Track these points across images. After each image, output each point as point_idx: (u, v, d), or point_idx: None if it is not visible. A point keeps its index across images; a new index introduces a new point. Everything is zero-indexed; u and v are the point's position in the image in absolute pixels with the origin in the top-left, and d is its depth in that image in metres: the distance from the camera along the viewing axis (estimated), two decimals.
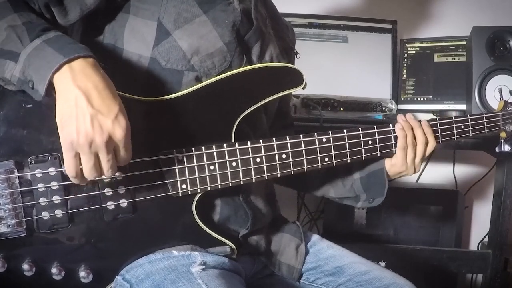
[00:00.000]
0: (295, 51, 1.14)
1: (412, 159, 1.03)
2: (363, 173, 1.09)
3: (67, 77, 0.71)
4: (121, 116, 0.72)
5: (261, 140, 0.90)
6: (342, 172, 1.11)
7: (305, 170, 0.95)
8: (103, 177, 0.77)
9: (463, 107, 1.80)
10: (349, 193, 1.12)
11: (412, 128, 1.03)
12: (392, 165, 1.04)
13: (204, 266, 0.84)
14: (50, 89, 0.72)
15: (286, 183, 1.20)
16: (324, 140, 0.96)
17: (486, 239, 1.89)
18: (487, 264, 1.70)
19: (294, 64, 1.03)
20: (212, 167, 0.87)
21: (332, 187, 1.14)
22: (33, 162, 0.79)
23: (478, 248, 2.04)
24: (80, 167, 0.73)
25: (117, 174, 0.80)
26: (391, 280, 0.99)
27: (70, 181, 0.77)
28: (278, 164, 0.92)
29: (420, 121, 1.04)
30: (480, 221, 2.08)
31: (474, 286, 2.09)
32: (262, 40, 0.98)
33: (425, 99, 1.91)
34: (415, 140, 1.03)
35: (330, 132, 0.96)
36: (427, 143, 1.03)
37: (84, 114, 0.70)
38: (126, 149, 0.74)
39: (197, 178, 0.86)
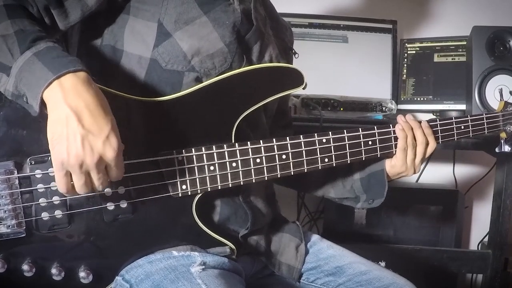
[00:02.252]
0: (293, 51, 1.14)
1: (412, 160, 1.03)
2: (363, 173, 1.09)
3: (57, 95, 0.70)
4: (113, 136, 0.71)
5: (261, 141, 0.90)
6: (342, 173, 1.11)
7: (305, 171, 0.95)
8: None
9: (463, 107, 1.80)
10: (349, 193, 1.12)
11: (412, 129, 1.03)
12: (392, 166, 1.04)
13: (203, 266, 0.84)
14: (43, 106, 0.71)
15: (286, 183, 1.20)
16: (324, 140, 0.96)
17: (486, 239, 1.89)
18: (487, 264, 1.70)
19: (292, 64, 1.03)
20: (212, 168, 0.87)
21: (332, 187, 1.14)
22: (33, 163, 0.79)
23: (478, 248, 2.04)
24: (71, 182, 0.73)
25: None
26: (391, 280, 0.99)
27: None
28: (278, 165, 0.92)
29: (420, 122, 1.04)
30: (480, 221, 2.08)
31: (474, 286, 2.09)
32: (262, 40, 0.98)
33: (425, 99, 1.91)
34: (415, 141, 1.03)
35: (330, 132, 0.96)
36: (427, 144, 1.03)
37: (75, 135, 0.69)
38: (117, 167, 0.73)
39: (197, 179, 0.86)
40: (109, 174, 0.74)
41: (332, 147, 0.96)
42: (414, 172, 1.05)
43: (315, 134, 0.95)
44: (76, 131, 0.69)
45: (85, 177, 0.72)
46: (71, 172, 0.71)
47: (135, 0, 0.89)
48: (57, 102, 0.70)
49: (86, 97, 0.71)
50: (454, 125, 1.08)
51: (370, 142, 1.00)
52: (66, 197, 0.80)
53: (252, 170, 0.90)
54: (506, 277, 1.75)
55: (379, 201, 1.07)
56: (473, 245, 2.13)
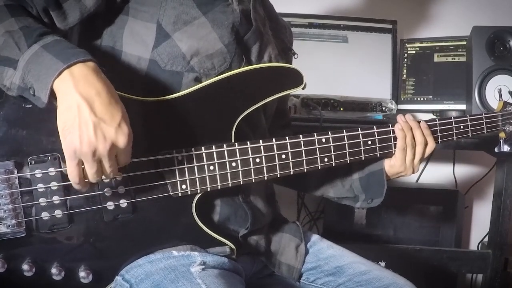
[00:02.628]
0: (292, 51, 1.15)
1: (411, 160, 1.03)
2: (362, 173, 1.09)
3: (68, 84, 0.70)
4: (124, 124, 0.72)
5: (260, 141, 0.90)
6: (341, 172, 1.11)
7: (305, 171, 0.95)
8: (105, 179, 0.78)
9: (463, 107, 1.80)
10: (348, 193, 1.12)
11: (411, 129, 1.03)
12: (391, 166, 1.05)
13: (203, 266, 0.84)
14: (52, 96, 0.72)
15: (285, 183, 1.20)
16: (323, 140, 0.96)
17: (486, 239, 1.89)
18: (487, 264, 1.70)
19: (291, 64, 1.04)
20: (211, 168, 0.87)
21: (331, 187, 1.14)
22: (33, 163, 0.79)
23: (478, 248, 2.04)
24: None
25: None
26: (391, 280, 0.99)
27: (70, 181, 0.77)
28: (277, 165, 0.92)
29: (419, 122, 1.04)
30: (480, 221, 2.08)
31: (474, 286, 2.09)
32: (261, 40, 0.98)
33: (425, 99, 1.91)
34: (414, 141, 1.03)
35: (329, 132, 0.96)
36: (426, 144, 1.03)
37: (87, 122, 0.69)
38: (126, 154, 0.75)
39: (197, 179, 0.87)
40: (118, 161, 0.75)
41: (332, 146, 0.97)
42: (413, 172, 1.05)
43: (315, 134, 0.95)
44: (88, 119, 0.69)
45: (97, 165, 0.72)
46: (83, 160, 0.72)
47: (134, 1, 0.89)
48: (68, 91, 0.70)
49: (97, 85, 0.71)
50: (453, 125, 1.08)
51: (369, 142, 1.00)
52: (67, 197, 0.80)
53: (252, 169, 0.90)
54: (506, 277, 1.75)
55: (378, 200, 1.07)
56: (473, 245, 2.13)
